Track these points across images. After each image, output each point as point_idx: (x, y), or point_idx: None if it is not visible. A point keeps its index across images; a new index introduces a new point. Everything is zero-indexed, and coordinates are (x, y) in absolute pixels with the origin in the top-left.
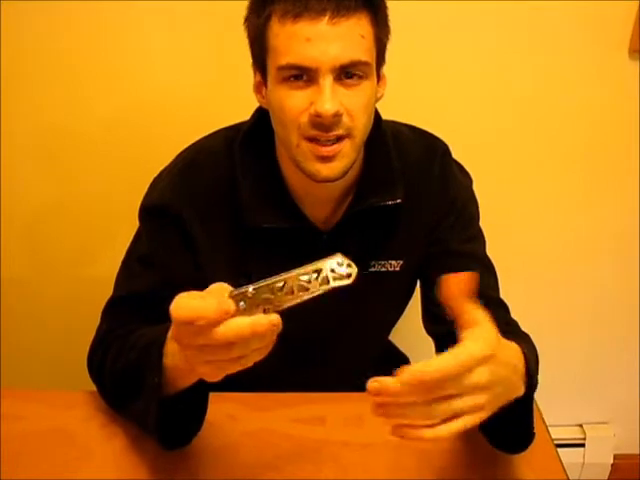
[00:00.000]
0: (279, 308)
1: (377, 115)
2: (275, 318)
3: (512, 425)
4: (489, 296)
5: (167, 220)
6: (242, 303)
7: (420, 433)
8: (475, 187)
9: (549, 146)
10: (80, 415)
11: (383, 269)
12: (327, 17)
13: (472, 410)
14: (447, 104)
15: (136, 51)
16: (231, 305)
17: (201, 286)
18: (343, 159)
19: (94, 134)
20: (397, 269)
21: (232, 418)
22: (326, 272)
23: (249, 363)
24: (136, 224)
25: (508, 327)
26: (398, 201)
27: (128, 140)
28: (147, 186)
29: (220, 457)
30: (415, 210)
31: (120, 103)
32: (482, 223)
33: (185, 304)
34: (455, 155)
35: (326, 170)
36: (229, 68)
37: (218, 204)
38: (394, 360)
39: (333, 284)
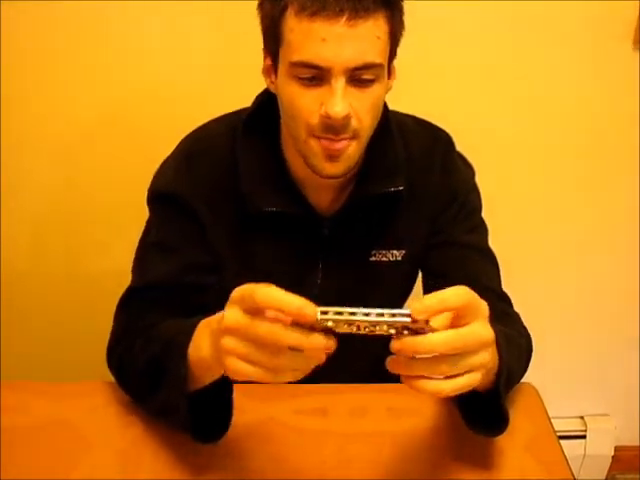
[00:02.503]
0: (335, 330)
1: (384, 105)
2: (332, 344)
3: (487, 406)
4: (489, 287)
5: (176, 205)
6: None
7: (423, 385)
8: (478, 180)
9: (553, 139)
10: (82, 407)
11: (384, 259)
12: (345, 18)
13: (477, 367)
14: (450, 96)
15: (136, 45)
16: (314, 309)
17: (215, 270)
18: (348, 159)
19: (98, 126)
20: (399, 259)
21: (234, 409)
22: (398, 327)
23: (283, 379)
24: (141, 216)
25: (502, 316)
26: (400, 188)
27: (131, 132)
28: (152, 176)
29: (222, 448)
30: (417, 200)
31: (125, 93)
32: (486, 217)
33: (270, 292)
34: (459, 148)
35: (331, 169)
36: (229, 59)
37: (222, 189)
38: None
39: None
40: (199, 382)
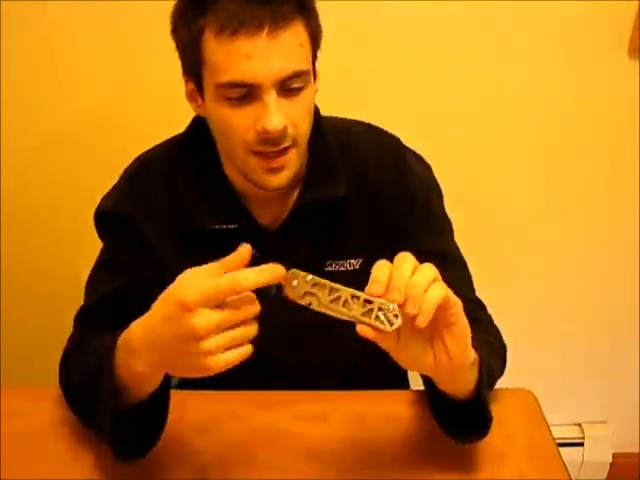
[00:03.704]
0: (317, 307)
1: (315, 109)
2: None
3: (469, 408)
4: (457, 293)
5: (121, 224)
6: (295, 282)
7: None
8: (473, 188)
9: (548, 146)
10: None
11: (342, 268)
12: (265, 31)
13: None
14: (448, 102)
15: (133, 50)
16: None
17: (164, 286)
18: (290, 167)
19: (90, 131)
20: (357, 267)
21: (235, 416)
22: (374, 307)
23: (247, 350)
24: None
25: (470, 322)
26: (340, 195)
27: (132, 133)
28: None
29: (223, 455)
30: (369, 204)
31: (115, 101)
32: (486, 219)
33: (249, 276)
34: (455, 156)
35: (275, 180)
36: None
37: (166, 208)
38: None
39: (372, 321)
40: (138, 393)
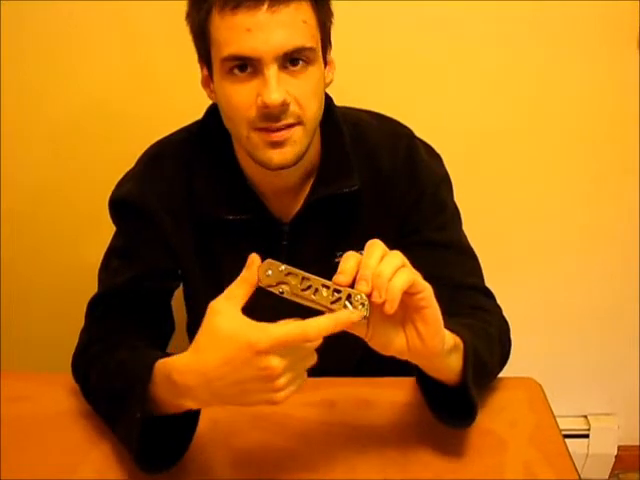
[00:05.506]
0: (288, 295)
1: (329, 101)
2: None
3: (457, 397)
4: (463, 281)
5: (135, 212)
6: (269, 271)
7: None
8: (480, 182)
9: (558, 141)
10: None
11: None
12: (266, 5)
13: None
14: (450, 97)
15: (144, 41)
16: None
17: (177, 277)
18: (295, 145)
19: (99, 124)
20: None
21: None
22: (343, 296)
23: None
24: None
25: (472, 310)
26: (354, 188)
27: (125, 129)
28: None
29: (231, 440)
30: (381, 196)
31: (113, 94)
32: (490, 217)
33: (320, 325)
34: (461, 150)
35: (278, 156)
36: None
37: (181, 197)
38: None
39: (339, 309)
40: (173, 412)
